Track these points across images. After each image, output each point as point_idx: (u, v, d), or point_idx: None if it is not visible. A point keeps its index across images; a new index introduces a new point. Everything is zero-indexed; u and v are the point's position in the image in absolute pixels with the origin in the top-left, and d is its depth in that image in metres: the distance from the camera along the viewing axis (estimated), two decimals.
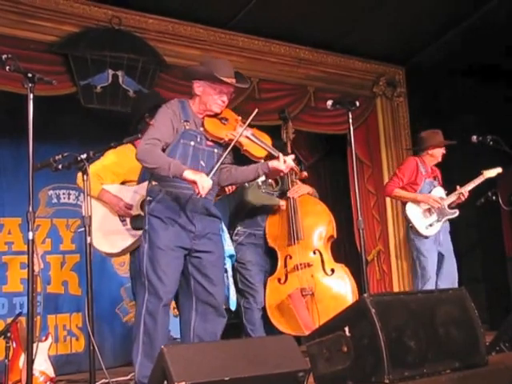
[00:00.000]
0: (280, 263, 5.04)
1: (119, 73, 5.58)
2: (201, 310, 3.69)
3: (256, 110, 3.70)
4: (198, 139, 3.68)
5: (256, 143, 3.71)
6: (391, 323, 2.56)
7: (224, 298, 3.86)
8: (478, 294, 6.08)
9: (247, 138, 3.69)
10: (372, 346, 2.51)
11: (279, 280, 5.01)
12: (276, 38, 6.72)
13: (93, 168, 3.97)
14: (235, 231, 5.08)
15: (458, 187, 5.48)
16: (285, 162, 3.69)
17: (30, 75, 3.11)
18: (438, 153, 5.63)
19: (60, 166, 3.35)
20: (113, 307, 5.80)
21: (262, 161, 3.79)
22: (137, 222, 4.15)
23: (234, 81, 3.71)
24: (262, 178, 4.67)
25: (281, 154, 3.71)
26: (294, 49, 6.91)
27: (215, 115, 3.74)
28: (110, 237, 4.24)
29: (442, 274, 5.51)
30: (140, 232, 3.97)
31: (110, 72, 5.56)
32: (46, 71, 4.75)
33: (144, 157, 3.52)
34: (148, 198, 3.67)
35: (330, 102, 4.12)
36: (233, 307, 4.19)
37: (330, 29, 6.64)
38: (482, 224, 7.30)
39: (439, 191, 5.57)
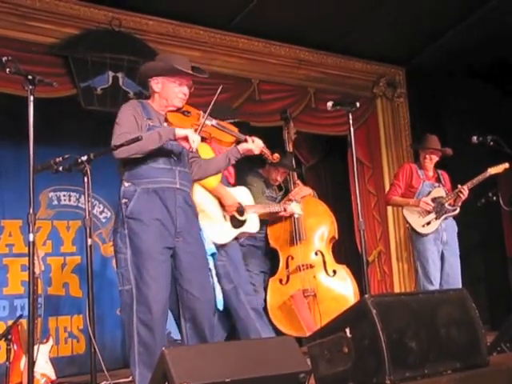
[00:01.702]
0: (282, 264, 5.05)
1: (119, 74, 5.58)
2: (188, 316, 3.60)
3: (220, 88, 3.67)
4: None
5: (222, 130, 3.71)
6: (392, 324, 2.55)
7: (212, 299, 3.79)
8: (479, 295, 6.09)
9: (213, 126, 3.69)
10: (373, 346, 2.51)
11: (281, 281, 5.03)
12: (276, 39, 6.72)
13: None
14: None
15: (459, 186, 5.50)
16: (253, 142, 3.71)
17: (30, 77, 3.10)
18: (425, 156, 5.68)
19: (61, 168, 3.33)
20: (114, 309, 5.79)
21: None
22: (234, 222, 4.45)
23: (191, 72, 3.68)
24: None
25: (248, 137, 3.73)
26: (294, 50, 6.91)
27: (177, 110, 3.71)
28: (217, 228, 4.35)
29: (445, 274, 5.51)
30: (237, 231, 4.40)
31: (111, 74, 5.56)
32: (46, 73, 4.74)
33: (125, 149, 3.37)
34: (123, 201, 3.53)
35: (330, 103, 4.12)
36: (220, 306, 4.18)
37: (330, 30, 6.64)
38: (483, 224, 7.29)
39: (439, 192, 5.59)
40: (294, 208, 4.95)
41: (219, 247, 4.35)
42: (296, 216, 4.98)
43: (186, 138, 3.46)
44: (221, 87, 3.67)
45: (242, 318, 4.40)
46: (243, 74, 6.56)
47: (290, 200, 5.08)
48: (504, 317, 3.77)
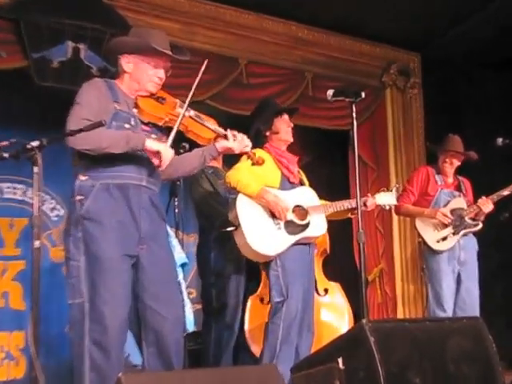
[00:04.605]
0: (263, 279, 5.06)
1: (81, 46, 5.57)
2: (152, 339, 3.55)
3: (204, 65, 3.65)
4: (133, 122, 3.59)
5: (202, 124, 3.71)
6: (393, 356, 2.57)
7: (181, 318, 3.78)
8: (497, 325, 6.10)
9: (191, 118, 3.69)
10: (369, 381, 2.52)
11: (262, 300, 5.04)
12: (270, 13, 6.75)
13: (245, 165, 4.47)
14: (212, 238, 5.12)
15: (482, 198, 5.51)
16: (235, 140, 3.71)
17: None
18: (445, 160, 5.70)
19: (6, 155, 3.32)
20: (62, 326, 5.78)
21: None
22: (291, 228, 4.51)
23: (170, 53, 3.65)
24: None
25: (229, 131, 3.73)
26: (291, 27, 6.94)
27: (150, 95, 3.70)
28: (267, 238, 4.47)
29: (461, 300, 5.52)
30: (295, 237, 4.47)
31: (70, 44, 5.54)
32: None
33: (83, 139, 3.34)
34: (78, 198, 3.48)
35: (330, 92, 4.14)
36: (190, 327, 4.19)
37: (334, 5, 6.65)
38: (506, 243, 7.32)
39: (459, 202, 5.60)
40: (383, 199, 4.94)
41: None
42: (386, 208, 4.99)
43: (156, 153, 3.47)
44: (205, 63, 3.67)
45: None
46: (229, 52, 6.58)
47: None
48: None
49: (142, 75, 3.66)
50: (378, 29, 7.20)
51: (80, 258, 3.46)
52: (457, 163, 5.72)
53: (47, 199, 6.18)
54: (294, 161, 4.79)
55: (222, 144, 3.73)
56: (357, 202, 4.08)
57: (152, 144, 3.46)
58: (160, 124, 3.66)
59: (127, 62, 3.67)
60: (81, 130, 3.33)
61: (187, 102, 3.62)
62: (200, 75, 3.65)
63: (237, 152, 3.80)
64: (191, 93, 3.64)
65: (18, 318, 5.95)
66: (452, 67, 7.44)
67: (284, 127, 4.74)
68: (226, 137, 3.72)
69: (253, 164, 4.05)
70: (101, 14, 5.69)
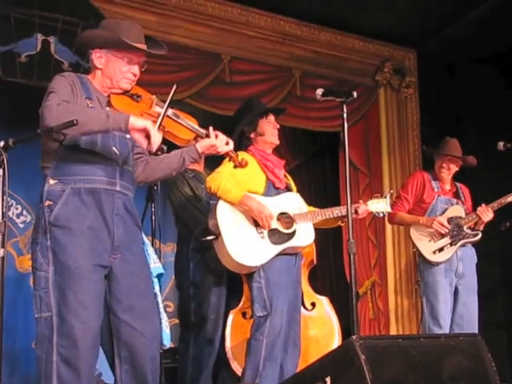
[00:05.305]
0: (245, 292, 5.05)
1: (51, 39, 5.55)
2: (126, 355, 3.51)
3: (175, 86, 3.65)
4: None
5: (180, 123, 3.68)
6: (385, 375, 2.57)
7: (158, 333, 3.77)
8: (497, 343, 6.13)
9: (168, 117, 3.65)
10: None
11: (244, 314, 5.03)
12: (255, 5, 6.75)
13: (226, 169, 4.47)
14: (190, 247, 5.11)
15: (483, 205, 5.52)
16: (217, 138, 3.66)
17: None
18: (442, 165, 5.70)
19: None
20: (29, 340, 5.74)
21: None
22: (276, 237, 4.54)
23: (145, 47, 3.63)
24: None
25: (211, 130, 3.68)
26: (278, 21, 6.94)
27: (124, 92, 3.67)
28: (249, 248, 4.48)
29: (458, 316, 5.53)
30: (279, 247, 4.49)
31: (40, 37, 5.53)
32: None
33: (61, 116, 3.24)
34: (47, 203, 3.44)
35: (319, 91, 4.13)
36: (167, 342, 4.17)
37: None
38: (507, 255, 7.34)
39: (457, 210, 5.61)
40: (376, 206, 4.96)
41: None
42: (380, 215, 5.03)
43: (144, 131, 3.37)
44: (175, 87, 3.67)
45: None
46: (211, 47, 6.57)
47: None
48: None
49: (115, 71, 3.61)
50: (372, 24, 7.21)
51: (48, 268, 3.41)
52: (455, 168, 5.73)
53: (13, 204, 6.15)
54: (281, 164, 4.79)
55: (203, 143, 3.68)
56: (347, 210, 4.07)
57: (138, 121, 3.36)
58: None
59: (99, 57, 3.62)
60: (52, 130, 3.31)
61: (167, 103, 3.60)
62: (170, 97, 3.60)
63: (220, 150, 3.76)
64: (170, 95, 3.62)
65: None
66: (450, 66, 7.46)
67: (269, 129, 4.75)
68: (207, 136, 3.69)
69: (235, 166, 4.03)
70: (73, 4, 5.67)
